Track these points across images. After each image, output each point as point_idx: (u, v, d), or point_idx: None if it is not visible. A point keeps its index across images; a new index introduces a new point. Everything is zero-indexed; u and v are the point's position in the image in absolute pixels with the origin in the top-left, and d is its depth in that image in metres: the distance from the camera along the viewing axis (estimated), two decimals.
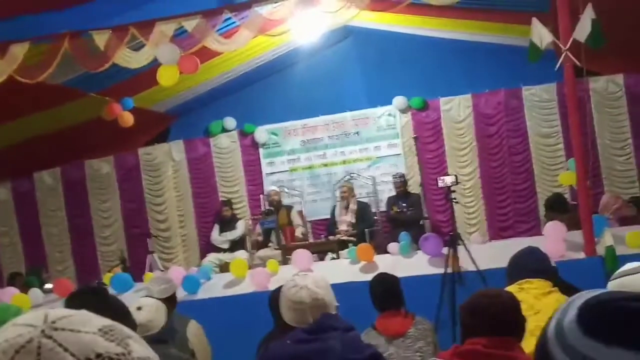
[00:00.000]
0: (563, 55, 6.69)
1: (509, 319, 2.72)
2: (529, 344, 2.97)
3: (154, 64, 7.97)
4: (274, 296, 4.47)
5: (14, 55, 7.72)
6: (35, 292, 8.39)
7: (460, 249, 6.83)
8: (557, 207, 8.22)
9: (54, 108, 9.56)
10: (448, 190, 7.20)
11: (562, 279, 4.05)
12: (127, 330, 0.89)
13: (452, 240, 6.82)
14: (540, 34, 6.81)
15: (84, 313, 0.89)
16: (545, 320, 3.32)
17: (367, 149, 11.26)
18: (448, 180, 7.24)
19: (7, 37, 7.79)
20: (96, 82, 9.24)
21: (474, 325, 2.71)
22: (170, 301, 4.62)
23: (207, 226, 11.40)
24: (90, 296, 2.62)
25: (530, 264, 3.75)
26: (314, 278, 2.72)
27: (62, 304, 7.37)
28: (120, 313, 2.48)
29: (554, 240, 6.76)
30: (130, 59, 7.76)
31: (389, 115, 11.14)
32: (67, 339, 0.83)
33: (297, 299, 2.63)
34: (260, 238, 10.31)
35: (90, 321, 0.87)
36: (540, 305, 3.52)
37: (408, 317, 4.59)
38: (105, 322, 0.88)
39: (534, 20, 6.96)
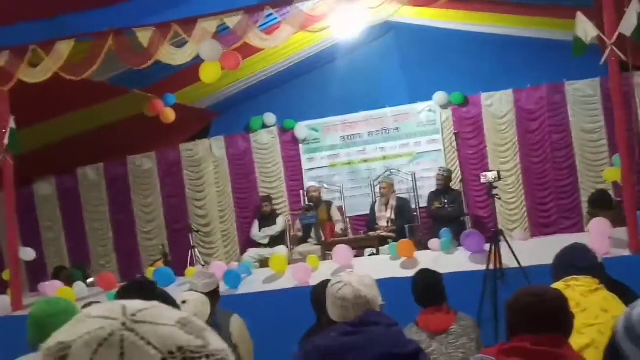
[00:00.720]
0: (608, 49, 6.59)
1: (557, 316, 2.68)
2: (575, 342, 2.94)
3: (196, 61, 8.06)
4: (317, 292, 4.51)
5: (59, 52, 7.87)
6: (79, 285, 8.53)
7: (503, 246, 6.78)
8: (602, 203, 8.11)
9: (98, 105, 9.71)
10: (490, 186, 7.15)
11: (609, 276, 4.00)
12: (201, 322, 0.89)
13: (495, 236, 6.77)
14: (585, 28, 6.72)
15: (158, 305, 0.89)
16: (592, 317, 3.29)
17: (407, 144, 11.21)
18: (490, 176, 7.19)
19: (52, 35, 7.93)
20: (139, 79, 9.37)
21: (520, 323, 2.67)
22: (213, 295, 4.66)
23: (247, 221, 11.47)
24: (141, 289, 2.65)
25: (577, 261, 3.69)
26: (360, 276, 2.74)
27: (106, 298, 7.48)
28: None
29: (599, 237, 6.68)
30: (173, 55, 7.84)
31: (430, 110, 11.07)
32: (149, 332, 0.83)
33: (341, 295, 2.65)
34: (299, 234, 10.33)
35: (166, 314, 0.87)
36: (586, 302, 3.48)
37: (450, 314, 4.58)
38: (181, 314, 0.88)
39: (579, 15, 6.87)
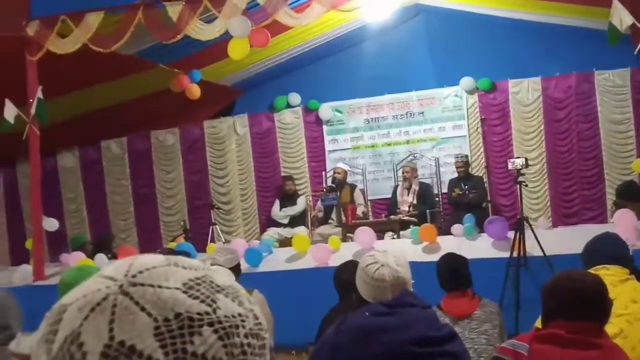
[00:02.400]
0: None
1: (596, 302, 2.63)
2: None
3: (224, 38, 8.03)
4: (341, 272, 4.49)
5: (88, 24, 7.87)
6: (101, 257, 8.57)
7: (527, 234, 6.73)
8: (629, 194, 8.01)
9: (125, 78, 9.71)
10: (517, 172, 7.09)
11: (636, 267, 3.95)
12: (219, 282, 0.81)
13: (520, 224, 6.72)
14: (621, 16, 6.61)
15: (172, 263, 0.81)
16: (622, 307, 3.24)
17: (431, 129, 11.15)
18: (518, 162, 7.13)
19: (83, 6, 7.94)
20: (166, 53, 9.36)
21: (556, 308, 2.64)
22: (234, 271, 4.67)
23: (268, 200, 11.48)
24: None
25: (608, 250, 3.65)
26: (395, 255, 2.70)
27: None
28: None
29: (625, 228, 6.59)
30: (202, 31, 7.81)
31: (456, 96, 10.99)
32: (145, 295, 0.76)
33: (379, 276, 2.61)
34: (320, 214, 10.31)
35: (175, 274, 0.79)
36: (616, 292, 3.43)
37: (475, 299, 4.54)
38: (194, 274, 0.80)
39: (615, 2, 6.76)
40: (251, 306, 0.82)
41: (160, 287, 0.77)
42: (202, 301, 0.77)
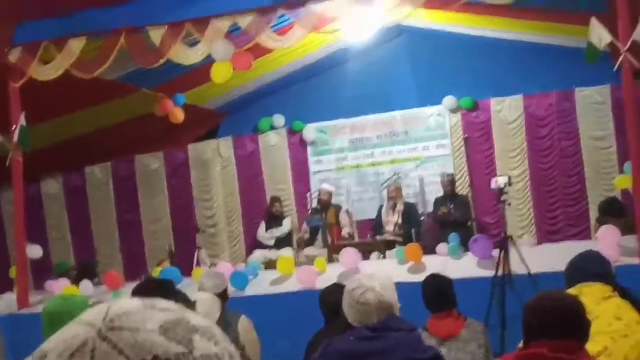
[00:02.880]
0: (622, 56, 6.56)
1: (574, 322, 2.67)
2: (588, 349, 2.92)
3: (207, 61, 8.05)
4: (327, 294, 4.49)
5: (71, 50, 7.88)
6: (85, 284, 8.52)
7: (511, 252, 6.75)
8: (612, 211, 8.06)
9: (108, 103, 9.71)
10: (500, 191, 7.11)
11: (619, 284, 3.97)
12: (195, 323, 0.83)
13: (504, 242, 6.74)
14: (599, 34, 6.69)
15: (148, 306, 0.83)
16: (605, 324, 3.27)
17: (415, 148, 11.18)
18: (501, 181, 7.15)
19: (65, 32, 7.94)
20: (149, 78, 9.37)
21: (537, 328, 2.66)
22: (222, 296, 4.65)
23: (254, 223, 11.45)
24: (157, 287, 2.64)
25: (591, 268, 3.67)
26: (380, 279, 2.71)
27: (111, 297, 7.48)
28: (187, 306, 2.50)
29: (608, 244, 6.63)
30: (184, 55, 7.84)
31: (439, 115, 11.05)
32: (123, 339, 0.78)
33: (364, 300, 2.62)
34: (306, 236, 10.31)
35: (152, 317, 0.81)
36: (599, 309, 3.46)
37: (460, 319, 4.56)
38: (170, 316, 0.82)
39: (593, 20, 6.84)
40: (227, 345, 0.84)
41: (137, 330, 0.79)
42: (179, 342, 0.79)
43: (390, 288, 2.69)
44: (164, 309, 0.83)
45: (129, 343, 0.77)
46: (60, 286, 8.42)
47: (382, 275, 2.77)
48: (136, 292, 2.72)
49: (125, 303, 0.84)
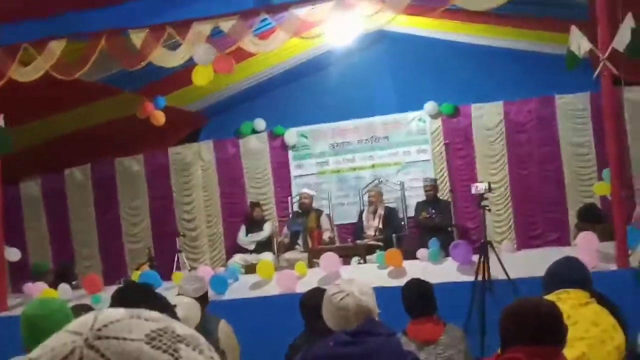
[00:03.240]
0: (601, 64, 6.62)
1: (551, 328, 2.68)
2: (566, 355, 2.94)
3: (188, 64, 8.03)
4: (307, 299, 4.48)
5: (51, 51, 7.82)
6: (64, 287, 8.46)
7: (491, 257, 6.78)
8: (590, 217, 8.14)
9: (88, 105, 9.66)
10: (480, 197, 7.15)
11: (596, 290, 4.01)
12: (180, 332, 0.84)
13: (483, 247, 6.77)
14: (579, 42, 6.75)
15: (134, 315, 0.85)
16: (583, 331, 3.29)
17: (396, 153, 11.22)
18: (481, 187, 7.19)
19: (45, 34, 7.89)
20: (130, 80, 9.33)
21: (514, 334, 2.67)
22: (202, 300, 4.64)
23: (234, 227, 11.43)
24: (137, 292, 2.62)
25: (569, 274, 3.70)
26: (359, 285, 2.72)
27: (90, 300, 7.43)
28: (167, 310, 2.49)
29: (586, 250, 6.69)
30: (166, 58, 7.81)
31: (420, 120, 11.09)
32: (110, 347, 0.79)
33: (343, 305, 2.62)
34: (287, 240, 10.30)
35: (138, 326, 0.82)
36: (577, 315, 3.48)
37: (440, 324, 4.57)
38: (156, 325, 0.84)
39: (573, 28, 6.89)
40: (211, 354, 0.86)
41: (124, 339, 0.80)
42: (165, 351, 0.80)
43: (369, 293, 2.71)
44: (149, 319, 0.85)
45: (116, 351, 0.79)
46: (39, 289, 8.36)
47: (361, 281, 2.78)
48: (116, 297, 2.71)
49: (111, 312, 0.85)
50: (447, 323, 4.59)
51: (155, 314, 0.86)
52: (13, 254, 8.65)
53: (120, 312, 0.85)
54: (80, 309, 3.69)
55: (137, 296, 2.58)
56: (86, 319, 0.84)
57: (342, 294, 2.65)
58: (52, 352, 0.80)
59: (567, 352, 2.94)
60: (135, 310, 0.86)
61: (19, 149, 8.96)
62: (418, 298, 4.60)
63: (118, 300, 2.66)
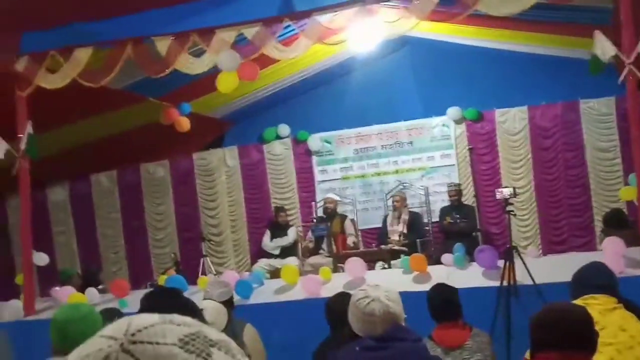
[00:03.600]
0: (626, 69, 6.58)
1: (582, 333, 2.67)
2: None
3: (213, 71, 8.08)
4: (332, 304, 4.49)
5: (78, 59, 7.92)
6: (91, 291, 8.54)
7: (517, 262, 6.75)
8: (616, 222, 8.05)
9: (114, 112, 9.76)
10: (505, 202, 7.13)
11: (623, 296, 3.99)
12: (212, 337, 0.86)
13: (509, 253, 6.74)
14: (603, 47, 6.71)
15: (167, 321, 0.87)
16: (611, 336, 3.28)
17: (420, 159, 11.21)
18: (506, 192, 7.16)
19: (72, 42, 7.99)
20: (155, 87, 9.41)
21: (544, 339, 2.66)
22: (228, 305, 4.66)
23: (259, 231, 11.48)
24: (166, 296, 2.66)
25: (596, 279, 3.68)
26: (386, 290, 2.72)
27: (118, 304, 7.49)
28: (196, 315, 2.52)
29: (613, 256, 6.63)
30: (191, 65, 7.88)
31: (443, 125, 11.08)
32: (145, 352, 0.81)
33: (369, 310, 2.63)
34: (311, 245, 10.33)
35: (172, 331, 0.84)
36: (605, 321, 3.47)
37: (466, 329, 4.55)
38: (189, 330, 0.85)
39: (597, 33, 6.86)
40: (243, 358, 0.88)
41: (158, 343, 0.82)
42: (198, 355, 0.82)
43: (396, 299, 2.71)
44: (182, 323, 0.87)
45: (151, 356, 0.81)
46: (66, 294, 8.44)
47: (388, 286, 2.78)
48: (145, 301, 2.74)
49: (145, 318, 0.87)
50: (474, 328, 4.58)
51: (187, 319, 0.88)
52: (41, 259, 8.75)
53: (153, 317, 0.87)
54: (109, 313, 3.74)
55: (166, 300, 2.61)
56: (120, 324, 0.86)
57: (368, 299, 2.66)
58: (87, 358, 0.82)
59: (595, 357, 2.93)
60: (168, 315, 0.88)
61: (46, 155, 9.07)
62: (443, 303, 4.59)
63: (147, 305, 2.70)
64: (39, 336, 3.21)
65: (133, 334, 0.83)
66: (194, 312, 2.63)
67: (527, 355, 2.85)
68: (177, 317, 0.88)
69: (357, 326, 2.67)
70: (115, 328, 0.85)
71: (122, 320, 0.87)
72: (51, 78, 8.16)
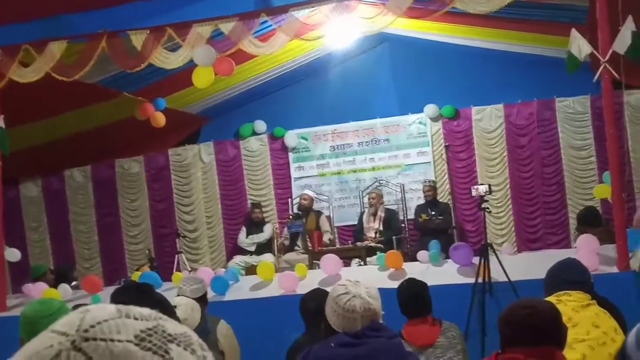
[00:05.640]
0: (602, 67, 6.61)
1: (550, 328, 2.69)
2: (567, 357, 2.94)
3: (189, 66, 8.03)
4: (307, 301, 4.47)
5: (51, 53, 7.82)
6: (64, 287, 8.45)
7: (492, 259, 6.78)
8: (590, 220, 8.13)
9: (88, 106, 9.65)
10: (481, 199, 7.15)
11: (597, 292, 4.01)
12: (171, 331, 0.82)
13: (484, 250, 6.77)
14: (579, 45, 6.74)
15: (124, 315, 0.82)
16: (584, 333, 3.30)
17: (396, 156, 11.22)
18: (481, 189, 7.19)
19: (46, 35, 7.89)
20: (130, 82, 9.33)
21: (514, 334, 2.68)
22: (201, 301, 4.63)
23: (234, 228, 11.44)
24: (138, 292, 2.62)
25: (569, 276, 3.70)
26: (367, 286, 2.69)
27: (90, 301, 7.43)
28: (167, 311, 2.48)
29: (587, 253, 6.67)
30: (166, 59, 7.80)
31: (420, 123, 11.10)
32: (98, 349, 0.76)
33: (350, 307, 2.60)
34: (287, 241, 10.31)
35: (127, 326, 0.80)
36: (578, 317, 3.49)
37: (435, 325, 4.51)
38: (146, 325, 0.81)
39: (573, 31, 6.89)
40: (204, 353, 0.84)
41: (112, 340, 0.78)
42: (155, 352, 0.78)
43: (376, 296, 2.69)
44: (139, 317, 0.82)
45: (104, 354, 0.76)
46: (40, 290, 8.34)
47: (367, 282, 2.76)
48: (116, 297, 2.70)
49: (99, 311, 0.82)
50: (443, 322, 4.55)
51: (145, 311, 0.84)
52: (13, 255, 8.63)
53: (108, 310, 0.83)
54: None
55: (137, 296, 2.57)
56: (73, 318, 0.81)
57: (349, 295, 2.63)
58: (37, 355, 0.77)
59: (567, 354, 2.94)
60: (125, 307, 0.84)
61: (19, 149, 8.96)
62: (412, 298, 4.54)
63: (118, 301, 2.65)
64: (10, 333, 3.14)
65: (86, 330, 0.79)
66: (166, 308, 2.60)
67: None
68: (134, 310, 0.84)
69: (336, 322, 2.64)
70: (68, 322, 0.81)
71: (76, 313, 0.83)
72: (24, 72, 8.03)
